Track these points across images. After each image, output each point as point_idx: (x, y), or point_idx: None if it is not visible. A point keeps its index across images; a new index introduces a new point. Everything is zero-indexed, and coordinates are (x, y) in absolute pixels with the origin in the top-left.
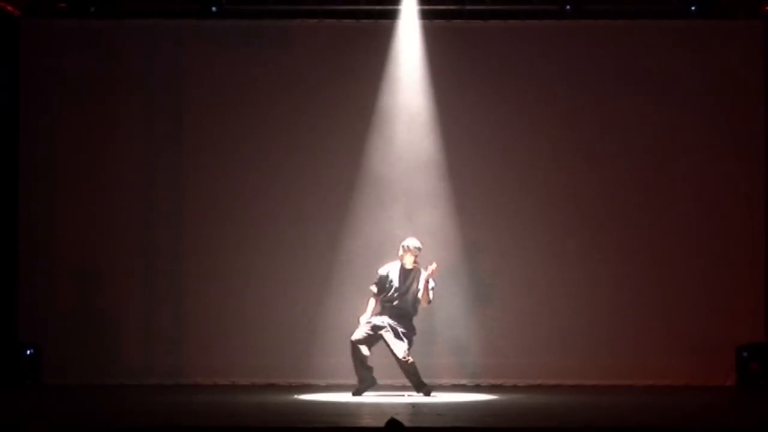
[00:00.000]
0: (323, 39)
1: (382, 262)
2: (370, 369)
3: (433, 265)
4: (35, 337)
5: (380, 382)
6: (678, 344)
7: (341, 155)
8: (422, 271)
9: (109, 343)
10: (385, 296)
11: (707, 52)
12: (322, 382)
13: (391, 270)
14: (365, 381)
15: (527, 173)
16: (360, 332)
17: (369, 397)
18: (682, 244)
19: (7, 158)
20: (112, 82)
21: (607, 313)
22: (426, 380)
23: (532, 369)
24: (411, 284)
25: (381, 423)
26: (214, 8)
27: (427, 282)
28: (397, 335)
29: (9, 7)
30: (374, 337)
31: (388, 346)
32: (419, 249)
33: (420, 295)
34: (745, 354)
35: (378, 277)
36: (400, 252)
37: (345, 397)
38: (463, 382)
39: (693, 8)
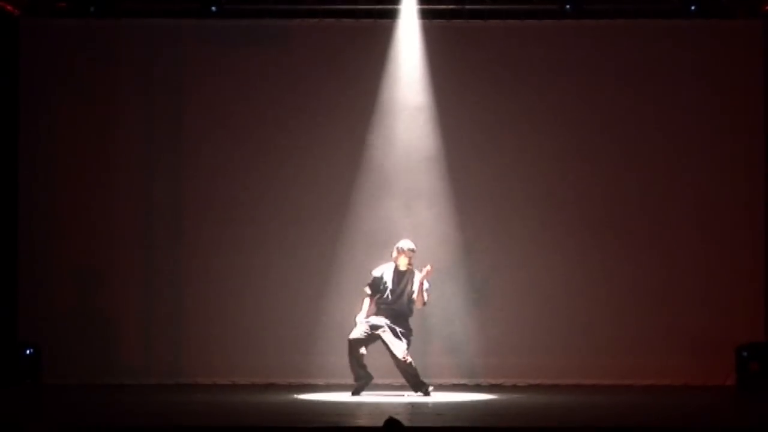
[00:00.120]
0: (323, 38)
1: (381, 262)
2: (364, 367)
3: (428, 267)
4: (35, 337)
5: (379, 381)
6: (678, 344)
7: (341, 154)
8: (416, 272)
9: (109, 343)
10: (380, 298)
11: (707, 52)
12: (321, 382)
13: (385, 271)
14: (362, 378)
15: (527, 173)
16: (358, 331)
17: (368, 397)
18: (682, 243)
19: (7, 158)
20: (112, 81)
21: (607, 313)
22: (425, 380)
23: (532, 369)
24: (405, 286)
25: (380, 423)
26: (213, 8)
27: (421, 284)
28: (395, 335)
29: (9, 7)
30: (372, 336)
31: (387, 346)
32: (413, 251)
33: (415, 296)
34: (745, 354)
35: (372, 278)
36: (394, 254)
37: (345, 396)
38: (463, 381)
39: (693, 8)
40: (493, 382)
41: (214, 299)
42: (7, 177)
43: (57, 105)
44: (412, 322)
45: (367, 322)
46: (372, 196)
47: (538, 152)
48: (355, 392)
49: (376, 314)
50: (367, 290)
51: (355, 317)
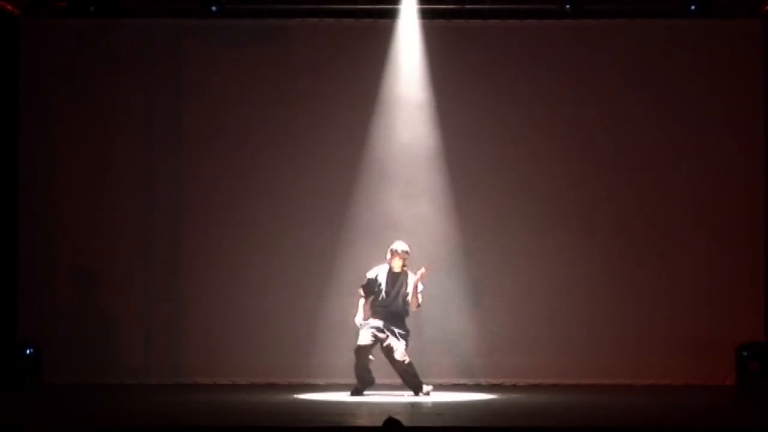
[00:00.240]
0: (323, 38)
1: (382, 263)
2: (370, 371)
3: (422, 270)
4: (35, 337)
5: (379, 381)
6: (678, 344)
7: (341, 155)
8: (410, 274)
9: (109, 343)
10: (375, 300)
11: (707, 52)
12: (321, 382)
13: (379, 273)
14: (365, 382)
15: (527, 172)
16: (365, 338)
17: (368, 397)
18: (682, 243)
19: (7, 158)
20: (112, 81)
21: (607, 313)
22: (425, 380)
23: (532, 368)
24: (400, 287)
25: (380, 423)
26: (213, 7)
27: (416, 286)
28: (395, 337)
29: (9, 6)
30: (378, 340)
31: (389, 350)
32: (407, 253)
33: (409, 298)
34: (744, 353)
35: (366, 279)
36: (388, 255)
37: (345, 396)
38: (463, 381)
39: (693, 7)
40: (493, 381)
41: (214, 299)
42: (7, 177)
43: (57, 105)
44: (417, 321)
45: (371, 326)
46: (372, 197)
47: (538, 152)
48: (356, 393)
49: (373, 316)
50: (361, 292)
51: (354, 319)
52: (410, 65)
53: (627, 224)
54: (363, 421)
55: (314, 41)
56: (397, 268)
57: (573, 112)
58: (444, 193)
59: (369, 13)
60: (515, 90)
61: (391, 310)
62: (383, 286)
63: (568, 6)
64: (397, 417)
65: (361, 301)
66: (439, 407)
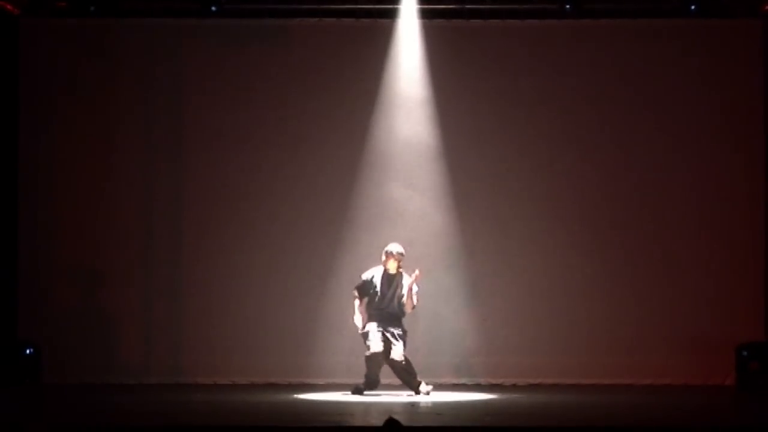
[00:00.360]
0: (323, 38)
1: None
2: (379, 376)
3: (416, 272)
4: (35, 337)
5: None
6: (678, 343)
7: (341, 155)
8: (405, 275)
9: (109, 343)
10: (371, 302)
11: (707, 52)
12: (321, 382)
13: (375, 275)
14: (373, 385)
15: (527, 172)
16: (377, 345)
17: (369, 397)
18: (682, 243)
19: (7, 158)
20: (112, 81)
21: (607, 313)
22: (425, 380)
23: (532, 368)
24: (396, 289)
25: (380, 423)
26: (213, 7)
27: (410, 288)
28: (394, 338)
29: (8, 6)
30: (388, 344)
31: (387, 351)
32: (402, 254)
33: (404, 299)
34: (744, 353)
35: (361, 281)
36: (384, 257)
37: (345, 396)
38: (463, 381)
39: (693, 7)
40: (493, 381)
41: (214, 299)
42: (7, 177)
43: (57, 105)
44: (411, 321)
45: (377, 330)
46: (373, 197)
47: (538, 152)
48: (357, 392)
49: (370, 319)
50: (355, 293)
51: (353, 320)
52: (410, 65)
53: (627, 224)
54: (363, 421)
55: (314, 41)
56: (392, 270)
57: (573, 111)
58: (444, 192)
59: (369, 13)
60: (515, 90)
61: (388, 311)
62: (379, 288)
63: (568, 6)
64: (397, 417)
65: (356, 302)
66: (439, 407)
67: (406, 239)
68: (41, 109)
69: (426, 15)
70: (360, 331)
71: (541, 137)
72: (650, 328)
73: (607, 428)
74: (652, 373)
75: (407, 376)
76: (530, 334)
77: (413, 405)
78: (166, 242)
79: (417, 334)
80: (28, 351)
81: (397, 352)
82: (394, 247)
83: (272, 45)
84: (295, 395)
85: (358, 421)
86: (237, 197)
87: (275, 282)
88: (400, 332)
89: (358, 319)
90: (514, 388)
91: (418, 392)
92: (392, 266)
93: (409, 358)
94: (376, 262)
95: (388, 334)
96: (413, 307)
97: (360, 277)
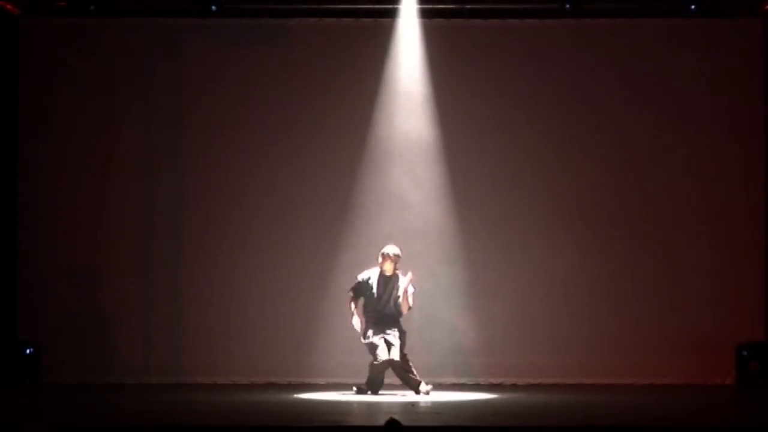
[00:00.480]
0: (323, 38)
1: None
2: (383, 379)
3: (409, 275)
4: (35, 336)
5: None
6: (678, 343)
7: (341, 155)
8: (401, 276)
9: (109, 342)
10: (368, 304)
11: (707, 51)
12: (321, 381)
13: (371, 276)
14: (377, 388)
15: (527, 171)
16: (384, 351)
17: (369, 397)
18: (682, 243)
19: (7, 158)
20: (112, 80)
21: (607, 312)
22: (425, 379)
23: (532, 368)
24: (392, 291)
25: (380, 422)
26: (213, 7)
27: (405, 291)
28: (393, 339)
29: (9, 6)
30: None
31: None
32: (398, 256)
33: (400, 300)
34: (744, 353)
35: (357, 282)
36: (380, 259)
37: (345, 396)
38: (462, 381)
39: (693, 7)
40: (493, 381)
41: (214, 299)
42: (7, 177)
43: (57, 105)
44: (411, 321)
45: (380, 338)
46: (373, 198)
47: (538, 151)
48: (360, 392)
49: (367, 322)
50: (351, 294)
51: (352, 322)
52: (410, 65)
53: (627, 223)
54: (363, 422)
55: (314, 41)
56: (388, 272)
57: (573, 111)
58: (444, 192)
59: (369, 13)
60: (515, 89)
61: (385, 313)
62: (375, 290)
63: (567, 5)
64: (397, 417)
65: (353, 304)
66: (438, 407)
67: (406, 240)
68: (41, 109)
69: (426, 15)
70: (363, 340)
71: (540, 136)
72: (650, 328)
73: (607, 428)
74: (652, 373)
75: (407, 376)
76: (530, 334)
77: (413, 405)
78: (166, 242)
79: (417, 334)
80: (28, 351)
81: (395, 353)
82: (391, 249)
83: (272, 45)
84: (295, 395)
85: (358, 421)
86: (237, 197)
87: (275, 282)
88: (398, 333)
89: (356, 321)
90: (514, 387)
91: (417, 392)
92: (388, 268)
93: (409, 358)
94: (376, 262)
95: (388, 338)
96: (409, 308)
97: (356, 277)
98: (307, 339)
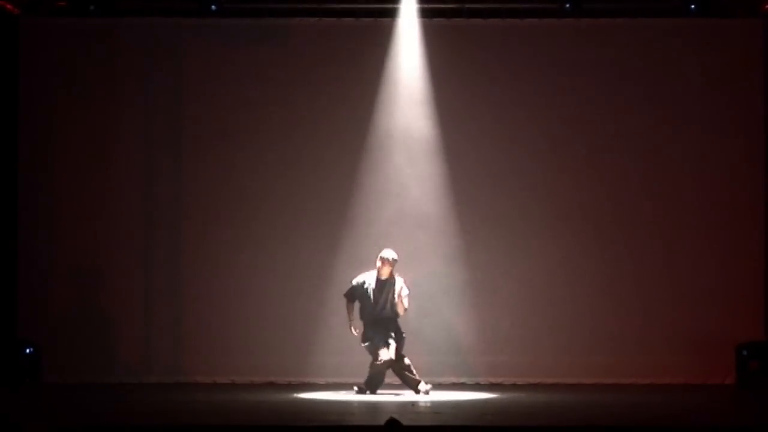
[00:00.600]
0: (323, 37)
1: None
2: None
3: (402, 280)
4: (35, 336)
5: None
6: (678, 342)
7: (341, 155)
8: (397, 279)
9: (109, 342)
10: (364, 308)
11: (707, 51)
12: (321, 381)
13: (366, 280)
14: (375, 386)
15: (527, 171)
16: (386, 353)
17: (369, 397)
18: (683, 243)
19: (7, 158)
20: (112, 80)
21: (607, 313)
22: (425, 379)
23: (532, 368)
24: (388, 294)
25: (380, 422)
26: (213, 6)
27: (399, 293)
28: (392, 340)
29: (9, 6)
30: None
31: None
32: (396, 260)
33: (396, 301)
34: (744, 352)
35: (351, 286)
36: (378, 263)
37: (345, 396)
38: (462, 380)
39: (693, 7)
40: (493, 381)
41: (214, 299)
42: (7, 177)
43: (57, 105)
44: (411, 321)
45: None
46: (372, 198)
47: (538, 150)
48: (361, 392)
49: (366, 326)
50: (346, 299)
51: (350, 327)
52: (410, 64)
53: (627, 223)
54: (363, 421)
55: (314, 41)
56: (385, 276)
57: (573, 110)
58: (444, 192)
59: (369, 13)
60: (515, 89)
61: (383, 316)
62: (371, 294)
63: (567, 5)
64: (397, 417)
65: (349, 306)
66: (438, 406)
67: (406, 239)
68: (41, 109)
69: (426, 14)
70: (362, 344)
71: (540, 135)
72: (650, 328)
73: (607, 428)
74: (652, 372)
75: (406, 376)
76: (530, 334)
77: (413, 404)
78: (166, 242)
79: (417, 334)
80: (28, 351)
81: (393, 353)
82: (389, 254)
83: (272, 45)
84: (295, 395)
85: (358, 421)
86: (237, 197)
87: (275, 282)
88: (396, 333)
89: (354, 326)
90: (514, 387)
91: (417, 391)
92: (386, 272)
93: (408, 358)
94: (374, 265)
95: (388, 339)
96: (405, 310)
97: (350, 282)
98: (307, 339)
